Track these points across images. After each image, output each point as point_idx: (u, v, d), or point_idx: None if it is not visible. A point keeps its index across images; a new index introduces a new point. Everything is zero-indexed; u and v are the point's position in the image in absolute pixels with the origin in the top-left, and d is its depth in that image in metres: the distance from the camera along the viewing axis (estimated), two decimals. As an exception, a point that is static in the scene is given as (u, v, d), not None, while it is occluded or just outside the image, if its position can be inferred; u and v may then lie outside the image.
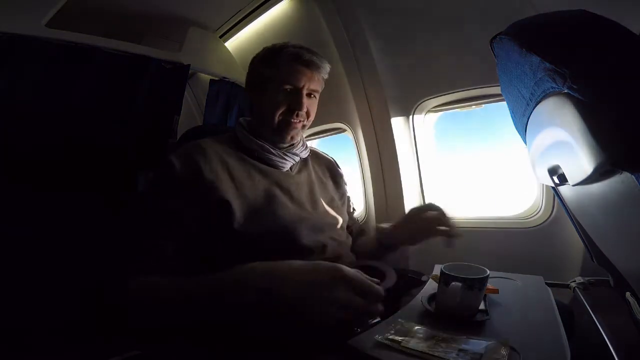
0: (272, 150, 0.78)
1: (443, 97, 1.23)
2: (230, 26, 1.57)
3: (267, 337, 0.62)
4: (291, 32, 1.41)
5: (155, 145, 1.35)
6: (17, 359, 0.96)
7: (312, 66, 0.75)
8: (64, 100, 1.18)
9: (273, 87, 0.75)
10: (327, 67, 0.78)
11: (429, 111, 1.31)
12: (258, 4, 1.39)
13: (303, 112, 0.76)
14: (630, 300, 0.57)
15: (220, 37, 1.63)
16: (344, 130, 1.53)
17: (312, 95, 0.78)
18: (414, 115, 1.30)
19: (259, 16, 1.46)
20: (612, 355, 0.50)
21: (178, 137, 1.24)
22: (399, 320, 0.56)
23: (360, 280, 0.49)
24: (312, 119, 0.80)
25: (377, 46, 1.21)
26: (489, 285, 0.68)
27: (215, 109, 1.61)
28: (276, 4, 1.37)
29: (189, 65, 1.42)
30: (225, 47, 1.65)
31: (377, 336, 0.51)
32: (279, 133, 0.77)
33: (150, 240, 0.64)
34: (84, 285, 1.09)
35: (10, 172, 1.06)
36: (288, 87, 0.74)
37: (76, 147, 1.19)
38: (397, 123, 1.30)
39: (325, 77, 0.80)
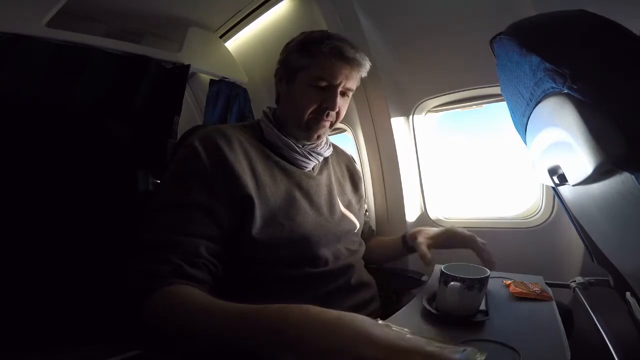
0: (297, 149, 0.73)
1: (443, 97, 1.23)
2: (230, 26, 1.57)
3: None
4: (291, 32, 1.40)
5: (155, 146, 1.35)
6: (17, 359, 0.96)
7: (353, 63, 0.69)
8: (64, 101, 1.18)
9: (306, 80, 0.69)
10: (367, 65, 0.72)
11: (429, 111, 1.31)
12: (258, 4, 1.39)
13: (334, 112, 0.71)
14: (630, 300, 0.57)
15: (220, 37, 1.63)
16: (344, 130, 1.53)
17: (346, 94, 0.73)
18: (414, 115, 1.30)
19: (259, 16, 1.46)
20: (612, 355, 0.50)
21: (178, 137, 1.24)
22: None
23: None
24: (341, 118, 0.75)
25: (377, 46, 1.21)
26: (544, 292, 0.68)
27: (215, 109, 1.61)
28: (276, 4, 1.37)
29: (189, 65, 1.43)
30: (225, 47, 1.65)
31: None
32: (306, 131, 0.72)
33: (179, 237, 0.56)
34: (84, 286, 1.09)
35: (10, 172, 1.06)
36: (323, 83, 0.68)
37: (75, 146, 1.19)
38: (397, 123, 1.30)
39: (363, 76, 0.74)
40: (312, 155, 0.76)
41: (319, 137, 0.75)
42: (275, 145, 0.73)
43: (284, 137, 0.73)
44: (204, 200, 0.59)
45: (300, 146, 0.74)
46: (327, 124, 0.73)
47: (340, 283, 0.71)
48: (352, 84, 0.72)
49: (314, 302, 0.60)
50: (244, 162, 0.65)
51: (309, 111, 0.70)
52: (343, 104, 0.73)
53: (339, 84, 0.69)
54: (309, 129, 0.72)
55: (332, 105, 0.69)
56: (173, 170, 0.64)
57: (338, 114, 0.73)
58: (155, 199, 0.63)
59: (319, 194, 0.76)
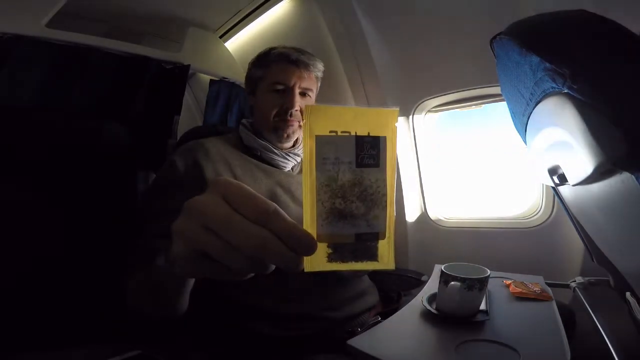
0: (274, 150, 0.78)
1: (443, 97, 1.23)
2: (230, 26, 1.57)
3: (267, 337, 0.62)
4: (291, 32, 1.41)
5: (155, 146, 1.35)
6: (17, 359, 0.96)
7: (300, 64, 0.76)
8: (64, 101, 1.18)
9: (264, 87, 0.77)
10: (318, 65, 0.79)
11: (429, 111, 1.31)
12: (258, 4, 1.39)
13: (295, 111, 0.76)
14: (630, 300, 0.57)
15: (220, 37, 1.63)
16: (344, 130, 1.53)
17: (306, 94, 0.79)
18: (414, 115, 1.30)
19: (259, 16, 1.46)
20: (612, 356, 0.50)
21: (178, 137, 1.24)
22: None
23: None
24: None
25: (377, 46, 1.21)
26: (544, 292, 0.68)
27: (215, 109, 1.61)
28: (276, 4, 1.36)
29: (189, 65, 1.42)
30: (225, 47, 1.65)
31: None
32: (275, 132, 0.78)
33: (152, 239, 0.63)
34: (83, 286, 1.09)
35: (10, 171, 1.06)
36: (279, 86, 0.76)
37: (76, 147, 1.19)
38: (397, 123, 1.30)
39: (318, 76, 0.81)
40: (289, 156, 0.80)
41: (288, 136, 0.79)
42: (254, 149, 0.78)
43: (259, 140, 0.78)
44: (176, 204, 0.64)
45: (278, 147, 0.79)
46: (295, 124, 0.78)
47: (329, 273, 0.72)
48: (308, 83, 0.78)
49: (303, 290, 0.63)
50: (223, 167, 0.71)
51: (273, 114, 0.77)
52: (305, 104, 0.79)
53: (294, 84, 0.76)
54: (278, 129, 0.77)
55: (290, 104, 0.76)
56: (154, 182, 0.74)
57: (302, 113, 0.79)
58: (139, 208, 0.72)
59: (300, 191, 0.78)
